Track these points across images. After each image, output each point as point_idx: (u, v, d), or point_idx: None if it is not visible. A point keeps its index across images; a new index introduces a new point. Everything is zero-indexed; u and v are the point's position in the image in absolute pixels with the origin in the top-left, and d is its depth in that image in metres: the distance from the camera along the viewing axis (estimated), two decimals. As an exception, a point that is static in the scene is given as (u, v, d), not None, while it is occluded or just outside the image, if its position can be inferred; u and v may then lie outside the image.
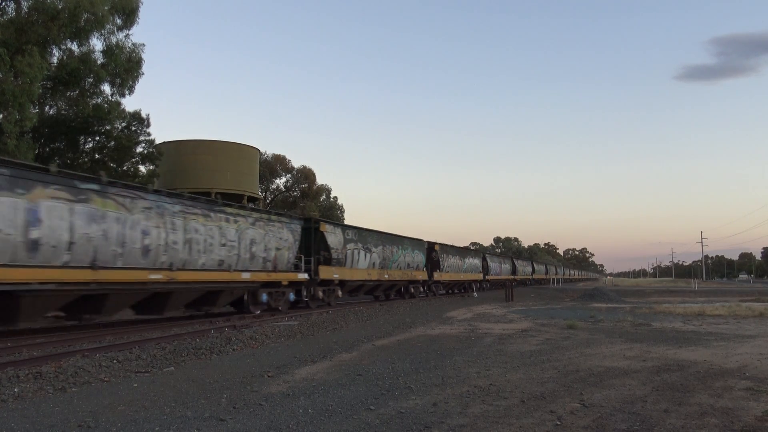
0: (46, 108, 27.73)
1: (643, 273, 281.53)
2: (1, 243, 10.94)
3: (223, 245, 17.31)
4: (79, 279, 12.49)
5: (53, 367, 8.70)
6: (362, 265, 26.65)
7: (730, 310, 21.51)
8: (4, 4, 23.16)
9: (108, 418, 5.96)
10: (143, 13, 34.26)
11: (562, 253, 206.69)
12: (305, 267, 21.72)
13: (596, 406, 6.45)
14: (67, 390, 7.41)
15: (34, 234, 11.59)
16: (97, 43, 27.97)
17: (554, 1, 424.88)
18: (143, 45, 26.45)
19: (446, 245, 40.98)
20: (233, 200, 29.93)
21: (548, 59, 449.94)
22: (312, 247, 22.53)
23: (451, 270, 40.43)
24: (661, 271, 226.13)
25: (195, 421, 5.89)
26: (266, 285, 19.45)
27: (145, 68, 27.95)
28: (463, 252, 46.31)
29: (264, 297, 19.52)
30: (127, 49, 25.72)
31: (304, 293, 21.97)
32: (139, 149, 30.99)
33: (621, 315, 20.10)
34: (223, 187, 34.26)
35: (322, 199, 57.41)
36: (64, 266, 12.17)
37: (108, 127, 28.31)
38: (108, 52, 25.23)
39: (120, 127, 29.66)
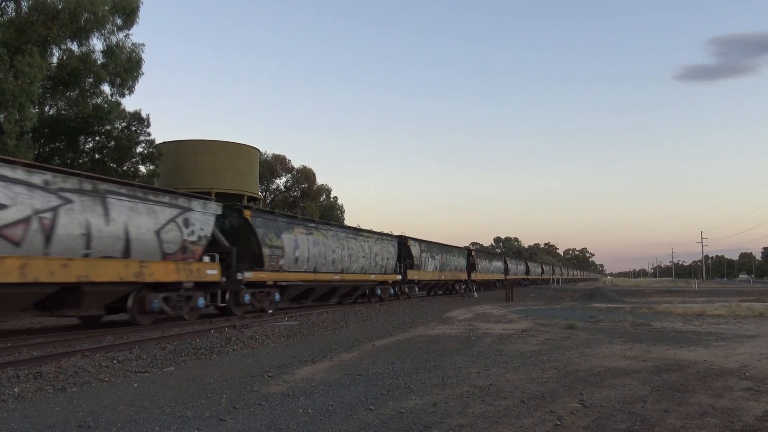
0: (46, 108, 27.73)
1: (643, 273, 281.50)
2: (286, 259, 20.41)
3: (363, 257, 26.29)
4: (310, 279, 21.73)
5: (53, 367, 8.69)
6: (430, 268, 35.09)
7: (730, 310, 21.50)
8: (4, 4, 23.16)
9: (108, 418, 5.96)
10: (143, 13, 34.28)
11: (562, 253, 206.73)
12: (398, 271, 30.18)
13: (596, 406, 6.45)
14: (67, 390, 7.40)
15: (296, 253, 21.07)
16: (97, 43, 28.00)
17: (554, 1, 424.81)
18: (143, 45, 26.49)
19: (480, 251, 52.85)
20: (233, 200, 29.96)
21: (548, 59, 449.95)
22: (402, 255, 30.70)
23: (483, 271, 49.82)
24: (661, 271, 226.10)
25: (195, 421, 5.88)
26: (380, 283, 28.03)
27: (145, 68, 28.01)
28: (491, 256, 58.79)
29: (378, 291, 27.90)
30: (127, 49, 25.73)
31: (397, 289, 30.12)
32: (139, 149, 30.98)
33: (621, 315, 20.11)
34: (223, 187, 34.26)
35: (322, 199, 57.41)
36: (305, 272, 21.55)
37: (108, 127, 28.30)
38: (108, 52, 25.23)
39: (120, 127, 29.65)
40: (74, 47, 24.81)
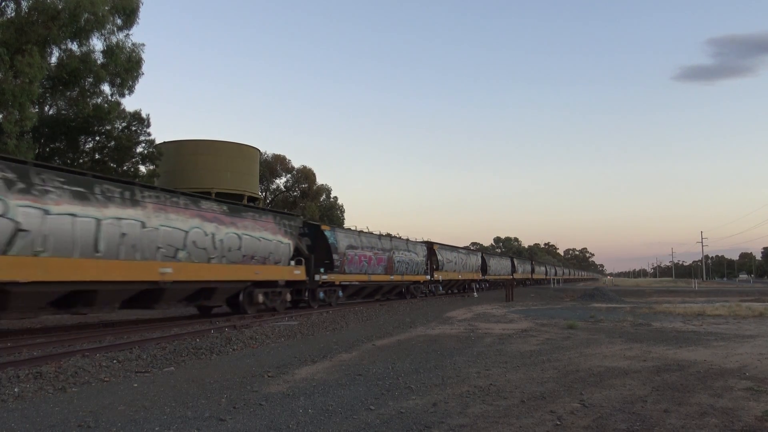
0: (46, 108, 27.73)
1: (643, 273, 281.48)
2: (348, 265, 24.80)
3: (403, 261, 31.73)
4: (364, 280, 27.07)
5: (53, 367, 8.69)
6: (451, 269, 40.83)
7: (730, 310, 21.50)
8: (4, 4, 23.15)
9: (108, 418, 5.96)
10: (143, 13, 34.27)
11: (562, 253, 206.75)
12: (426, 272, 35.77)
13: (596, 406, 6.45)
14: (67, 390, 7.40)
15: (355, 260, 25.86)
16: (97, 43, 27.95)
17: (552, 2, 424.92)
18: (143, 45, 26.45)
19: (491, 253, 60.23)
20: (233, 200, 29.94)
21: (547, 60, 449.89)
22: (429, 258, 36.59)
23: (494, 271, 54.90)
24: (661, 271, 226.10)
25: (195, 421, 5.88)
26: (413, 283, 33.78)
27: (145, 68, 27.95)
28: (499, 257, 65.52)
29: (411, 289, 33.94)
30: (127, 49, 25.70)
31: (426, 288, 36.64)
32: (139, 149, 30.98)
33: (621, 315, 20.10)
34: (223, 187, 34.25)
35: (322, 199, 57.42)
36: (361, 273, 26.58)
37: (108, 127, 28.31)
38: (108, 52, 25.20)
39: (120, 127, 29.66)
40: (74, 47, 24.80)
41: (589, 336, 13.47)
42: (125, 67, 25.63)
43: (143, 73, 26.65)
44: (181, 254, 15.44)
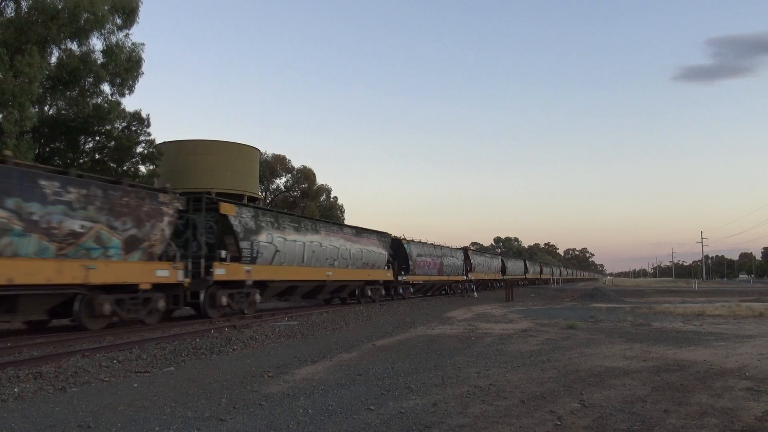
0: (46, 108, 27.69)
1: (643, 273, 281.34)
2: (419, 268, 33.45)
3: (455, 264, 40.41)
4: (427, 279, 35.31)
5: (53, 367, 8.69)
6: (480, 270, 48.81)
7: (730, 310, 21.50)
8: (3, 4, 23.14)
9: (108, 418, 5.96)
10: (143, 13, 34.25)
11: (562, 253, 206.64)
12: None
13: (596, 406, 6.45)
14: (67, 390, 7.40)
15: (421, 263, 33.86)
16: (97, 43, 27.92)
17: (552, 3, 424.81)
18: (143, 45, 26.41)
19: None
20: (233, 200, 29.92)
21: (547, 60, 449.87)
22: (465, 262, 43.36)
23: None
24: (661, 271, 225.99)
25: (195, 421, 5.88)
26: (455, 281, 40.42)
27: (145, 68, 27.92)
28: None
29: (457, 287, 41.20)
30: (127, 49, 25.68)
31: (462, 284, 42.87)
32: (139, 149, 30.91)
33: (621, 315, 20.10)
34: (223, 187, 34.16)
35: (322, 199, 57.38)
36: (426, 275, 35.02)
37: (108, 127, 28.23)
38: (108, 51, 25.18)
39: (120, 127, 29.57)
40: (74, 47, 24.77)
41: (589, 336, 13.47)
42: (125, 67, 25.61)
43: (143, 73, 26.65)
44: (336, 263, 24.20)
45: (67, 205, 12.67)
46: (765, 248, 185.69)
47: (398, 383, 7.75)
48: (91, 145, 29.62)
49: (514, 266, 67.72)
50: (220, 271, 17.10)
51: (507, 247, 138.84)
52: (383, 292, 29.25)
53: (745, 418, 5.93)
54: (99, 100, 26.84)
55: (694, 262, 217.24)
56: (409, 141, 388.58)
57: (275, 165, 54.34)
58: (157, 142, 32.24)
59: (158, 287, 15.25)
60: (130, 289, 14.46)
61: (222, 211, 18.01)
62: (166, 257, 15.86)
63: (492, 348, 11.40)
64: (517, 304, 28.77)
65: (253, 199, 36.90)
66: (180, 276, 15.89)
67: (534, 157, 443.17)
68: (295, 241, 21.14)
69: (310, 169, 55.60)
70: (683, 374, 8.41)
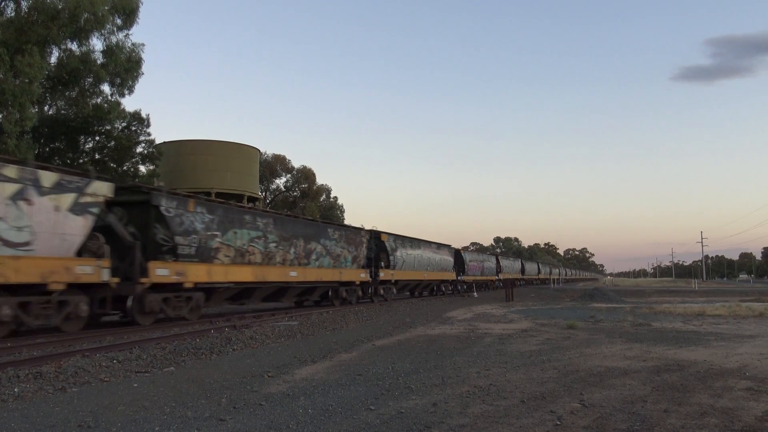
0: (46, 108, 27.70)
1: (643, 273, 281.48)
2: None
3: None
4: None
5: (53, 367, 8.69)
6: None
7: (730, 310, 21.49)
8: (3, 4, 23.16)
9: (108, 418, 5.96)
10: (143, 13, 34.25)
11: (562, 253, 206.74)
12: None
13: (596, 406, 6.45)
14: (67, 390, 7.40)
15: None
16: (97, 43, 28.03)
17: (551, 3, 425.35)
18: (143, 45, 26.47)
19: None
20: (233, 200, 29.97)
21: (546, 60, 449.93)
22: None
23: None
24: (661, 271, 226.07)
25: (195, 421, 5.88)
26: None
27: (145, 68, 28.02)
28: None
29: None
30: (127, 49, 25.72)
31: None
32: (139, 149, 30.96)
33: (621, 315, 20.11)
34: (223, 187, 34.26)
35: (322, 199, 57.42)
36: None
37: (108, 127, 28.28)
38: (108, 52, 25.22)
39: (120, 127, 29.62)
40: (74, 47, 24.81)
41: (589, 336, 13.47)
42: (125, 67, 25.64)
43: (143, 73, 26.71)
44: (426, 267, 34.55)
45: None
46: (765, 248, 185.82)
47: (398, 383, 7.75)
48: (90, 145, 29.66)
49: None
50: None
51: (507, 247, 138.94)
52: (449, 288, 41.28)
53: (745, 418, 5.93)
54: (99, 100, 26.89)
55: (694, 262, 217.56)
56: (409, 141, 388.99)
57: (275, 165, 54.38)
58: (157, 142, 32.33)
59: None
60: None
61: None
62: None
63: (492, 348, 11.40)
64: (517, 304, 28.78)
65: (252, 199, 36.95)
66: None
67: (534, 156, 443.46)
68: (411, 254, 32.76)
69: (310, 169, 55.70)
70: (683, 374, 8.41)
